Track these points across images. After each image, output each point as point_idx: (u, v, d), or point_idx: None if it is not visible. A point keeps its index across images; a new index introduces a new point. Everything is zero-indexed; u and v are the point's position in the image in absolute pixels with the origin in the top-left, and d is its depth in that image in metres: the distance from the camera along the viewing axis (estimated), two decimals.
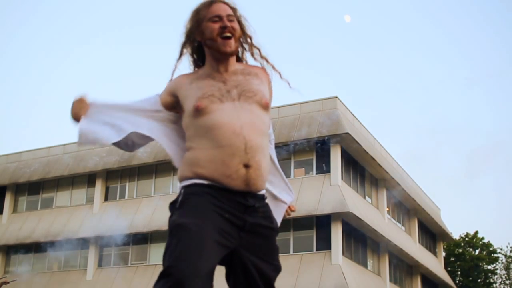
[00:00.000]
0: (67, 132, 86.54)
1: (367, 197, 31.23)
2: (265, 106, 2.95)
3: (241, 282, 2.88)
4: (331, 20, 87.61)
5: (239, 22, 2.98)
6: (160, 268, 2.71)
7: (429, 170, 78.41)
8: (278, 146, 27.38)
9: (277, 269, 2.94)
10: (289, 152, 27.71)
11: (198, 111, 2.87)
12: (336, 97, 28.60)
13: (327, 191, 27.12)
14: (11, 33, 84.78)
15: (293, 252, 27.54)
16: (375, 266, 31.32)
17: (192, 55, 3.07)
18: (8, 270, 34.54)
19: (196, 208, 2.77)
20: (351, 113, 29.97)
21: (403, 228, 36.33)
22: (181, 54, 3.06)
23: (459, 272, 50.73)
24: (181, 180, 2.92)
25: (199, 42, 3.01)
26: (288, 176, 28.57)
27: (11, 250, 34.77)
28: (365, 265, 29.91)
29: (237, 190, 2.82)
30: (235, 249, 2.82)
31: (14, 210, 35.72)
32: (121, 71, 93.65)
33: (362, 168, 30.01)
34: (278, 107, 29.30)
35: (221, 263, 2.86)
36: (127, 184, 32.58)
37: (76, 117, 3.01)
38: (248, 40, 3.05)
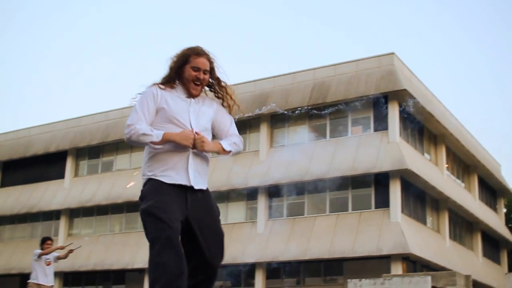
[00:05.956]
0: (123, 97, 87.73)
1: (425, 154, 30.83)
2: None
3: (192, 239, 3.96)
4: None
5: (212, 69, 4.16)
6: None
7: (490, 125, 76.93)
8: (334, 104, 27.14)
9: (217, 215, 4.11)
10: (346, 110, 27.47)
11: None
12: (393, 53, 28.10)
13: (385, 149, 26.87)
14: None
15: (352, 210, 27.50)
16: (434, 223, 31.03)
17: (173, 75, 4.13)
18: (72, 233, 35.47)
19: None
20: (409, 69, 29.44)
21: (463, 184, 35.85)
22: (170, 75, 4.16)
23: None
24: None
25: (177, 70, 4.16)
26: (345, 134, 28.43)
27: (74, 213, 35.63)
28: (424, 222, 29.66)
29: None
30: (186, 219, 3.92)
31: (76, 174, 36.51)
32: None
33: (420, 125, 29.56)
34: (334, 65, 28.97)
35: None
36: None
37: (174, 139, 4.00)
38: (215, 80, 4.23)
